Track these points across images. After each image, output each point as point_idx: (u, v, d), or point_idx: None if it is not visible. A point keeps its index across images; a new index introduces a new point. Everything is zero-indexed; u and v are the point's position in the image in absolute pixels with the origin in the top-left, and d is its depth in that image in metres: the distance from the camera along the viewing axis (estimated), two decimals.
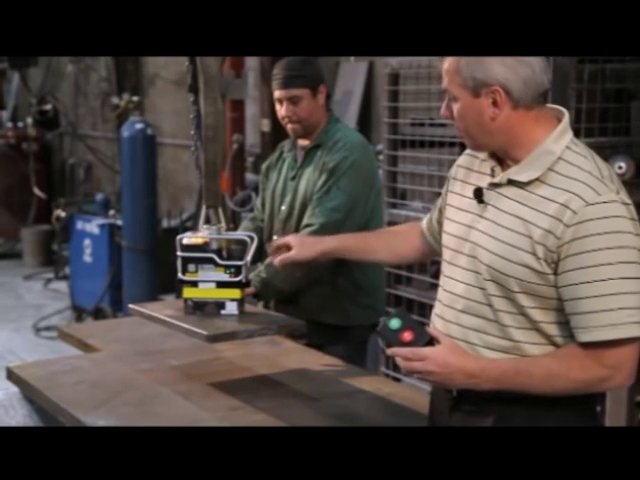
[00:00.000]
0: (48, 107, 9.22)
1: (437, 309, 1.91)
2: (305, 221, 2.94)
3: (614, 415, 2.95)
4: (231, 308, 2.38)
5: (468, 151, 1.96)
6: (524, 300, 1.74)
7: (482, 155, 1.89)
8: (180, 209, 6.71)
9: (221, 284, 2.37)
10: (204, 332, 2.22)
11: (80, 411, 2.20)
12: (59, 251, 7.60)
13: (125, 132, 5.99)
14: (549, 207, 1.70)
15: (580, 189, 1.68)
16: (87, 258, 6.62)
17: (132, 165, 5.95)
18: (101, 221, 6.45)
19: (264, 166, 3.27)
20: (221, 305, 2.38)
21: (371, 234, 2.50)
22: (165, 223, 6.72)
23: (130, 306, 2.53)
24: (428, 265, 3.60)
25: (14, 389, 2.56)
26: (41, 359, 3.17)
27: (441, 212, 2.03)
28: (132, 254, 5.96)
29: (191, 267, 2.38)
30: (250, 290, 2.80)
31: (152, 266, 5.97)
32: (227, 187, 2.68)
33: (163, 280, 6.04)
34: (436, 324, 1.90)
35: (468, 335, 1.81)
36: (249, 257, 2.39)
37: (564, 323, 1.73)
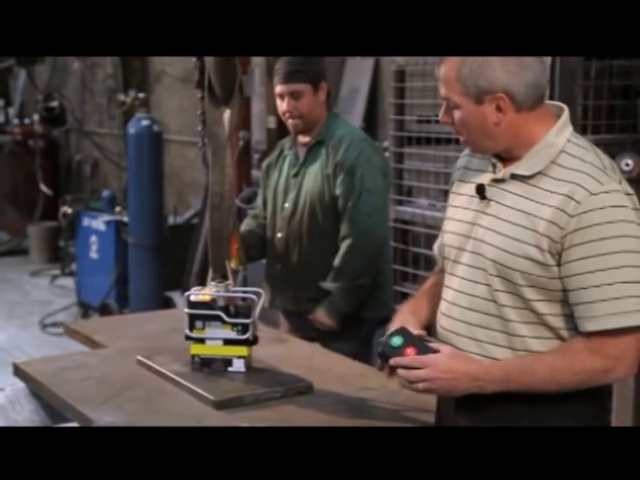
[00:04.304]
0: (54, 104, 9.23)
1: (443, 307, 1.91)
2: (343, 232, 3.00)
3: (620, 414, 2.94)
4: (238, 365, 2.39)
5: (465, 152, 1.97)
6: (529, 293, 1.74)
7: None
8: (186, 206, 6.72)
9: (228, 341, 2.38)
10: (211, 397, 2.23)
11: (86, 407, 2.21)
12: (65, 248, 7.61)
13: (131, 129, 5.99)
14: (552, 199, 1.71)
15: (583, 180, 1.69)
16: (93, 255, 6.63)
17: (138, 162, 5.95)
18: (107, 218, 6.46)
19: (264, 164, 3.29)
20: (228, 362, 2.39)
21: (430, 301, 2.02)
22: (171, 220, 6.73)
23: (137, 358, 2.52)
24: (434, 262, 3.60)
25: (21, 385, 2.57)
26: (47, 355, 3.18)
27: None
28: (138, 251, 5.96)
29: (198, 324, 2.39)
30: (331, 325, 2.98)
31: (158, 263, 5.98)
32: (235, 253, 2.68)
33: (169, 277, 6.06)
34: (442, 322, 1.91)
35: (474, 332, 1.81)
36: (257, 314, 2.39)
37: (569, 315, 1.74)
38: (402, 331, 1.83)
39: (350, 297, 3.01)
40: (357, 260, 3.00)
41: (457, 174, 1.95)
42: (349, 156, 2.98)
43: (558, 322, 1.75)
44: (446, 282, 1.91)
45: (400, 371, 1.79)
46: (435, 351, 1.80)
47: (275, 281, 3.19)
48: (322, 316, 3.01)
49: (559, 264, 1.71)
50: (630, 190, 1.72)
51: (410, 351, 1.78)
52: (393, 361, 1.79)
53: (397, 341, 1.80)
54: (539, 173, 1.75)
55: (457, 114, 1.78)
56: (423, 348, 1.79)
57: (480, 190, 1.83)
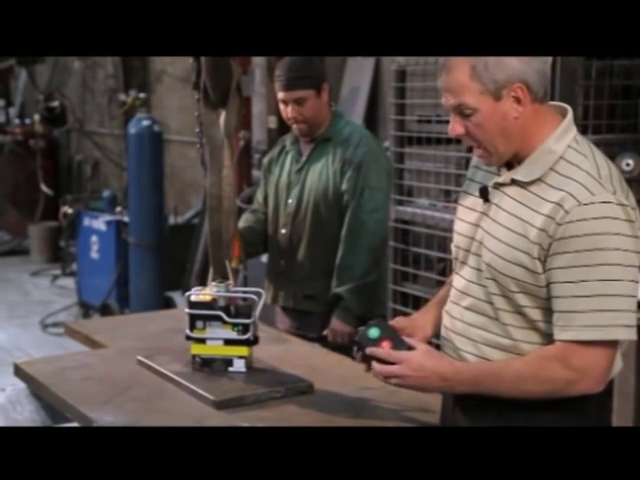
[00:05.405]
0: (55, 104, 9.24)
1: (447, 306, 1.93)
2: (344, 229, 3.00)
3: (621, 412, 2.94)
4: (239, 365, 2.40)
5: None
6: (522, 300, 1.74)
7: None
8: (187, 205, 6.72)
9: (229, 341, 2.38)
10: (211, 397, 2.23)
11: (87, 407, 2.21)
12: (66, 248, 7.61)
13: (132, 129, 6.00)
14: (545, 207, 1.69)
15: (575, 189, 1.67)
16: (94, 255, 6.63)
17: (139, 162, 5.95)
18: (108, 218, 6.46)
19: (266, 160, 3.29)
20: (229, 362, 2.40)
21: (437, 314, 2.03)
22: (172, 219, 6.73)
23: (138, 358, 2.52)
24: (435, 262, 3.60)
25: (21, 385, 2.57)
26: (48, 355, 3.18)
27: None
28: (139, 250, 5.96)
29: (199, 324, 2.39)
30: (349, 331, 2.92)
31: (159, 262, 5.98)
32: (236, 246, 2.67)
33: (170, 276, 6.06)
34: (444, 320, 1.92)
35: (469, 332, 1.83)
36: (257, 314, 2.39)
37: None
38: (380, 324, 1.87)
39: (361, 297, 2.99)
40: (361, 258, 2.99)
41: (470, 171, 1.95)
42: (358, 153, 3.01)
43: (550, 329, 1.73)
44: (454, 282, 1.92)
45: (375, 364, 1.82)
46: (409, 347, 1.82)
47: (277, 277, 3.18)
48: (338, 325, 2.98)
49: (545, 271, 1.70)
50: (625, 201, 1.68)
51: (385, 344, 1.83)
52: (369, 350, 1.83)
53: (374, 333, 1.85)
54: (537, 180, 1.73)
55: (473, 119, 1.73)
56: (398, 343, 1.84)
57: (483, 192, 1.83)
